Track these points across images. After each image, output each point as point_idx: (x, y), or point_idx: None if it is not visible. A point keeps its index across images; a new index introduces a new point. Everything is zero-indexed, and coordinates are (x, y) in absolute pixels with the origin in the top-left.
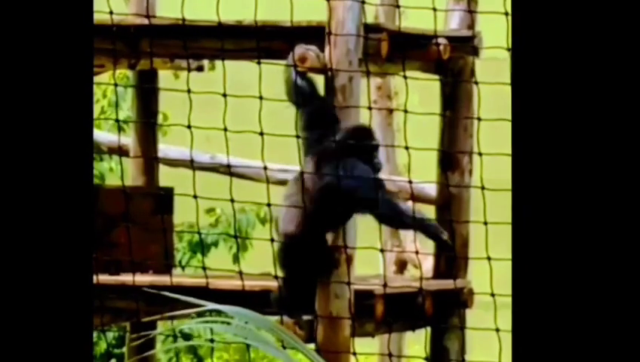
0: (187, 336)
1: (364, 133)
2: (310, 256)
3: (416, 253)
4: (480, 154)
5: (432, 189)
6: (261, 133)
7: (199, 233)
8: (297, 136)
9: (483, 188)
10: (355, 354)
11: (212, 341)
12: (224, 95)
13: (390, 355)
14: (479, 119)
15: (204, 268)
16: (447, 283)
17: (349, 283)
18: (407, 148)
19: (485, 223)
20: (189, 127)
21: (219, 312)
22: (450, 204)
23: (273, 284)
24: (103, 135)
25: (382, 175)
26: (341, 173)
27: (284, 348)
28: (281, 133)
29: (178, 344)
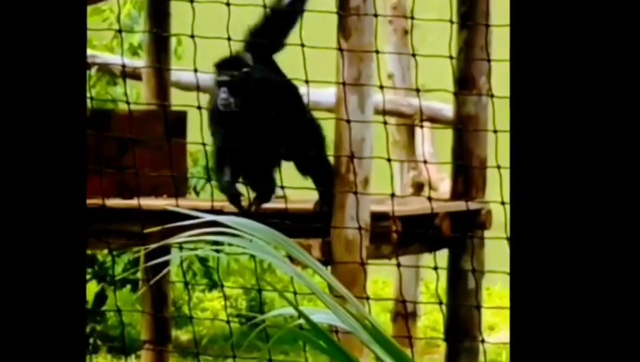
0: (202, 260)
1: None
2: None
3: (425, 162)
4: (489, 60)
5: (449, 111)
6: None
7: (203, 143)
8: (302, 45)
9: (492, 96)
10: (363, 264)
11: (218, 251)
12: (227, 4)
13: (399, 265)
14: (487, 26)
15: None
16: (464, 205)
17: (355, 196)
18: (413, 55)
19: (494, 131)
20: (192, 36)
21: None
22: (468, 125)
23: (285, 206)
24: (115, 58)
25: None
26: None
27: (291, 260)
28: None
29: (184, 254)
